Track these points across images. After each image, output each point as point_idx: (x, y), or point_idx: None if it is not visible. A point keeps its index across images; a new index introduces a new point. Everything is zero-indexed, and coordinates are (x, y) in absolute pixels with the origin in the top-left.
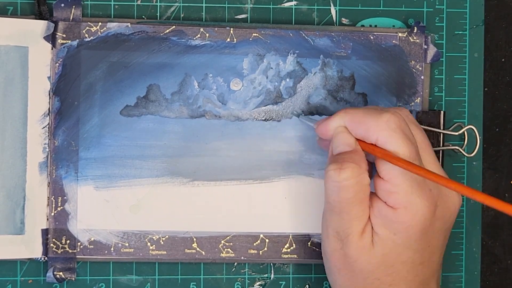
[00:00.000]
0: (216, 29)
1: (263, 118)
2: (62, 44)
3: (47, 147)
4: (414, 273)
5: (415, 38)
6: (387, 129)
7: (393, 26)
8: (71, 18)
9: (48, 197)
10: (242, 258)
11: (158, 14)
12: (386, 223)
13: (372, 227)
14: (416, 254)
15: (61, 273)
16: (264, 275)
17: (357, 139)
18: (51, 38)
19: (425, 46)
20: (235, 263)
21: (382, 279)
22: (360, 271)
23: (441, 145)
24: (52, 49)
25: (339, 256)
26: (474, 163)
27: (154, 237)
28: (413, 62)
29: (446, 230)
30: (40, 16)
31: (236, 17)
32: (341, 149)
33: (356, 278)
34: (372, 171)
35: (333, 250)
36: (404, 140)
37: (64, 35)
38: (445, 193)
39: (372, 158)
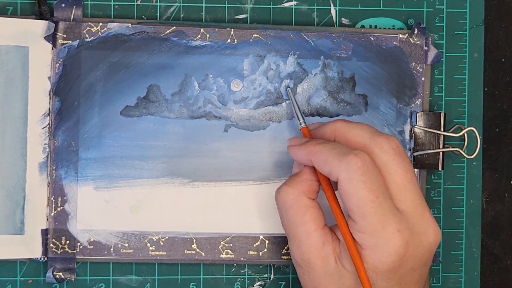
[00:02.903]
0: (216, 29)
1: (264, 119)
2: (63, 44)
3: (47, 147)
4: None
5: (415, 39)
6: (347, 172)
7: (393, 26)
8: (71, 18)
9: (48, 197)
10: (242, 259)
11: (158, 14)
12: (351, 260)
13: (339, 258)
14: None
15: (60, 273)
16: (264, 275)
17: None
18: (51, 38)
19: (426, 48)
20: (235, 264)
21: None
22: None
23: (441, 147)
24: (52, 49)
25: (307, 284)
26: (474, 163)
27: (153, 238)
28: (413, 63)
29: (422, 267)
30: (40, 16)
31: (236, 17)
32: (293, 171)
33: None
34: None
35: (301, 277)
36: (361, 185)
37: (65, 35)
38: (418, 232)
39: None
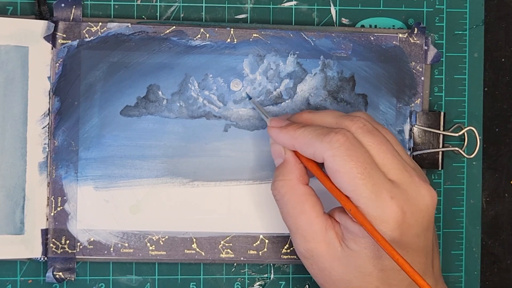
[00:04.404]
0: (216, 29)
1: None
2: (62, 44)
3: (47, 147)
4: (398, 278)
5: (415, 39)
6: (330, 150)
7: (393, 26)
8: (71, 18)
9: (48, 197)
10: (242, 259)
11: (158, 14)
12: (354, 239)
13: (343, 240)
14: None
15: (60, 273)
16: (264, 275)
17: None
18: (51, 38)
19: (426, 47)
20: (235, 263)
21: (363, 286)
22: (339, 281)
23: (441, 146)
24: (52, 49)
25: (317, 273)
26: (474, 163)
27: (153, 238)
28: (413, 63)
29: (425, 231)
30: (40, 16)
31: (236, 17)
32: (276, 163)
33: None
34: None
35: (309, 269)
36: (347, 159)
37: (64, 35)
38: (412, 196)
39: None
